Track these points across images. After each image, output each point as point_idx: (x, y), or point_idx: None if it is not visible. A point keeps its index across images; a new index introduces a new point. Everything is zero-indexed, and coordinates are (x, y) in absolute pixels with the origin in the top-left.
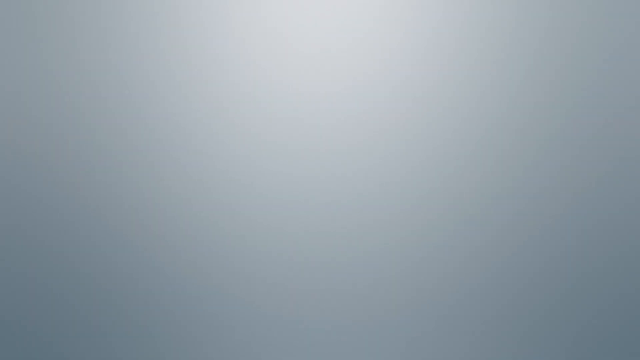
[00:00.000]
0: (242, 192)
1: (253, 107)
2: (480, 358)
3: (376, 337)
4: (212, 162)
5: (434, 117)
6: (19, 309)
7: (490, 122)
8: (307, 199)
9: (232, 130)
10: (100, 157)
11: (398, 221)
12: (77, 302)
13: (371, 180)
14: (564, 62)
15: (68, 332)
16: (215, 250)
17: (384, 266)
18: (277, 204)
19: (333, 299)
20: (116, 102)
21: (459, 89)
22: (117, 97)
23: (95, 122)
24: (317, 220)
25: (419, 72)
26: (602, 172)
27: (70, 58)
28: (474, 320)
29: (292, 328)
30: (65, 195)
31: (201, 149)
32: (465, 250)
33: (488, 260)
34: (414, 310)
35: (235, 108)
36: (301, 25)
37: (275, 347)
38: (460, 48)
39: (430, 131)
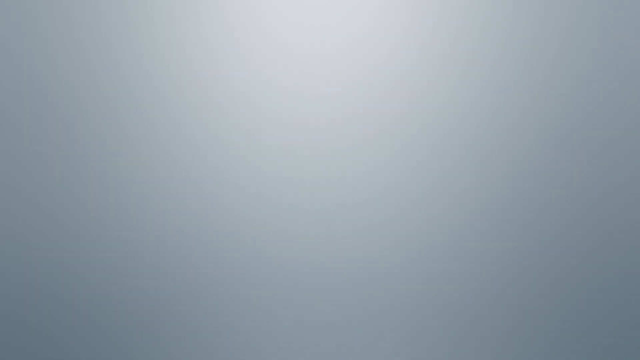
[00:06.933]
0: (239, 194)
1: (250, 108)
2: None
3: (375, 342)
4: (209, 164)
5: (432, 119)
6: (16, 310)
7: (490, 123)
8: (303, 201)
9: (229, 132)
10: (94, 157)
11: (396, 224)
12: (74, 303)
13: (370, 182)
14: (565, 63)
15: (62, 333)
16: (212, 253)
17: (382, 270)
18: (274, 207)
19: (332, 303)
20: (112, 102)
21: (458, 90)
22: (114, 97)
23: (91, 121)
24: (314, 223)
25: (416, 74)
26: (603, 171)
27: (67, 57)
28: (477, 325)
29: (291, 333)
30: (62, 194)
31: (198, 151)
32: (466, 252)
33: (490, 263)
34: (414, 316)
35: (232, 109)
36: (300, 26)
37: (274, 352)
38: (459, 48)
39: (428, 133)
